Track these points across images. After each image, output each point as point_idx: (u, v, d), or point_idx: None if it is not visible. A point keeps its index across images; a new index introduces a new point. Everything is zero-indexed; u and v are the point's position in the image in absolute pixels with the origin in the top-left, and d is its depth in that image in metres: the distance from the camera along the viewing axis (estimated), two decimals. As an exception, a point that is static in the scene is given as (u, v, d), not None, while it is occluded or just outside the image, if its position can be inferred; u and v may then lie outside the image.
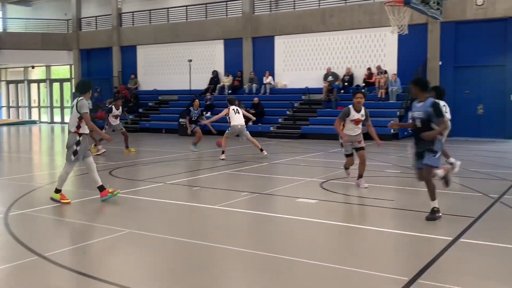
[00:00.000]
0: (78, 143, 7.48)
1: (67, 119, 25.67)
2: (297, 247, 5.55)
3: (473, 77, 19.80)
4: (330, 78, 21.99)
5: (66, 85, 32.37)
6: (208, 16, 26.24)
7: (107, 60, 29.36)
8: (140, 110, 26.36)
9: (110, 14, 29.30)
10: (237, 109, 13.55)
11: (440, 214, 6.54)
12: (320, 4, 23.03)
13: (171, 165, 12.32)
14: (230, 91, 24.73)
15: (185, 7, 26.90)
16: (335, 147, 13.70)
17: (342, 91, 21.72)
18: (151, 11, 28.03)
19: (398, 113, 19.67)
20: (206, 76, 25.87)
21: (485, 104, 19.64)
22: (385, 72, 21.03)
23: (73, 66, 31.06)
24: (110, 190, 7.77)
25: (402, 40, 20.33)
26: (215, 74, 25.59)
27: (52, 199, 7.60)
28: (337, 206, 7.66)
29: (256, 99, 21.97)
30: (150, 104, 26.73)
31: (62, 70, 32.72)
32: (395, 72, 20.82)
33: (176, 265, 4.97)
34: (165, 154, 14.63)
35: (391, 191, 9.00)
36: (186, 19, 26.84)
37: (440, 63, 20.25)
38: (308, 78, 22.99)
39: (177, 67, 26.94)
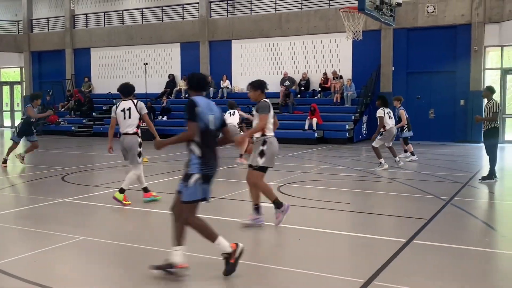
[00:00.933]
0: (140, 144, 7.75)
1: (17, 123, 24.95)
2: (254, 252, 5.54)
3: (424, 82, 20.40)
4: (287, 82, 22.17)
5: (17, 88, 31.24)
6: (164, 19, 25.99)
7: (59, 62, 28.60)
8: (94, 114, 25.80)
9: (63, 16, 28.60)
10: (233, 112, 13.97)
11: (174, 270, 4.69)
12: (277, 9, 23.21)
13: (126, 171, 12.08)
14: (186, 95, 24.55)
15: (140, 10, 26.55)
16: (293, 151, 13.80)
17: (298, 96, 21.94)
18: (106, 13, 27.52)
19: (353, 117, 20.04)
20: (162, 79, 25.60)
21: (436, 108, 20.26)
22: (341, 77, 21.39)
23: (24, 69, 30.10)
24: (154, 194, 8.03)
25: (356, 46, 20.73)
26: (172, 78, 25.35)
27: (114, 198, 7.68)
28: (294, 210, 7.69)
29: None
30: (104, 107, 26.19)
31: (12, 73, 31.66)
32: (350, 77, 21.20)
33: (131, 272, 4.86)
34: (120, 159, 14.33)
35: (347, 194, 9.13)
36: (142, 21, 26.49)
37: (393, 68, 20.76)
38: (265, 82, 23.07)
39: (133, 71, 26.55)
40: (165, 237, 6.17)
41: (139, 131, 7.85)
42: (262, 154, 6.35)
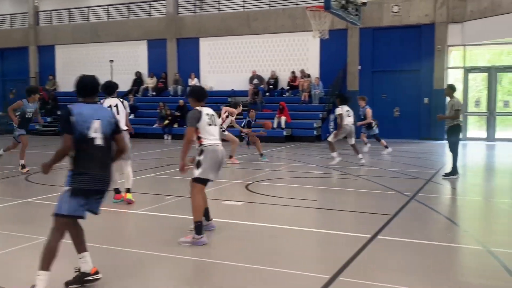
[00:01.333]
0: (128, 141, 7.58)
1: None
2: (220, 250, 5.55)
3: (390, 81, 20.75)
4: (255, 81, 22.22)
5: None
6: (130, 16, 25.68)
7: (23, 60, 27.93)
8: (59, 112, 25.25)
9: (26, 12, 27.91)
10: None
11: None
12: (245, 7, 23.22)
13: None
14: (154, 93, 24.34)
15: (106, 7, 26.16)
16: (261, 149, 13.83)
17: (267, 94, 22.02)
18: (71, 10, 27.01)
19: (320, 116, 20.23)
20: (129, 77, 25.28)
21: (401, 107, 20.64)
22: (308, 75, 21.56)
23: None
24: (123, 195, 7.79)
25: (324, 45, 20.94)
26: (139, 76, 25.08)
27: (127, 200, 7.63)
28: (262, 207, 7.74)
29: (181, 101, 21.76)
30: (69, 106, 25.67)
31: None
32: (318, 75, 21.39)
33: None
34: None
35: (314, 191, 9.22)
36: (108, 18, 26.11)
37: (359, 67, 21.05)
38: (234, 80, 23.10)
39: (98, 68, 26.09)
40: (132, 237, 6.12)
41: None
42: (198, 164, 5.86)
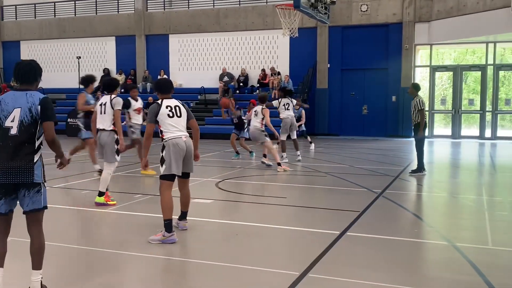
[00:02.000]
0: (117, 141, 7.34)
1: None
2: (191, 248, 5.52)
3: (358, 79, 21.01)
4: (225, 78, 22.17)
5: None
6: (98, 12, 25.26)
7: (-14, 55, 27.27)
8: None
9: (-11, 6, 27.23)
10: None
11: None
12: (215, 4, 23.12)
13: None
14: (122, 90, 24.01)
15: (73, 2, 25.67)
16: (231, 147, 13.82)
17: (237, 92, 21.99)
18: (36, 5, 26.40)
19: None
20: (96, 74, 24.81)
21: (369, 105, 20.92)
22: (278, 73, 21.63)
23: None
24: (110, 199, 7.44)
25: (293, 43, 21.04)
26: (107, 72, 24.69)
27: (97, 203, 7.23)
28: (232, 205, 7.73)
29: (150, 98, 21.51)
30: None
31: None
32: (288, 73, 21.48)
33: (64, 272, 4.72)
34: (52, 156, 13.84)
35: (283, 189, 9.26)
36: (75, 14, 25.63)
37: (329, 65, 21.23)
38: (204, 78, 22.99)
39: (65, 64, 25.66)
40: (104, 236, 6.03)
41: (115, 128, 7.51)
42: (162, 161, 5.66)
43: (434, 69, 20.50)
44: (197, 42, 23.37)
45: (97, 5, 25.27)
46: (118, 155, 7.43)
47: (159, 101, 5.75)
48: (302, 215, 7.13)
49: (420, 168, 10.49)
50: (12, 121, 3.84)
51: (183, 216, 6.10)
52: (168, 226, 5.55)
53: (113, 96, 7.64)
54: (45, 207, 4.20)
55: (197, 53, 23.44)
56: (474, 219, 7.04)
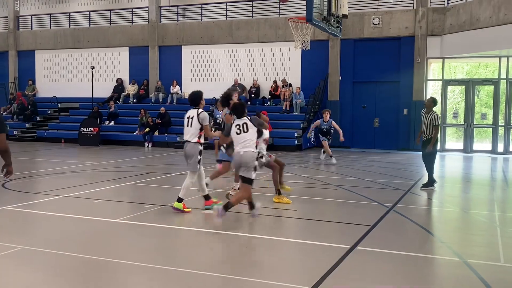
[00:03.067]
0: (200, 152, 7.77)
1: None
2: (201, 260, 5.53)
3: (370, 92, 20.98)
4: (237, 89, 22.26)
5: None
6: (112, 22, 25.56)
7: (2, 64, 27.58)
8: (38, 118, 24.98)
9: (6, 17, 27.57)
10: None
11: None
12: (227, 16, 23.30)
13: (70, 177, 11.79)
14: (135, 100, 24.22)
15: (88, 12, 26.00)
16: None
17: (249, 103, 22.06)
18: (52, 15, 26.78)
19: (301, 125, 20.34)
20: (110, 84, 25.12)
21: (380, 117, 20.86)
22: (290, 85, 21.68)
23: None
24: (214, 200, 8.01)
25: (305, 55, 21.10)
26: (120, 82, 24.92)
27: (174, 208, 7.69)
28: (242, 217, 7.73)
29: (162, 108, 21.69)
30: (49, 112, 25.43)
31: None
32: (299, 85, 21.53)
33: (72, 282, 4.75)
34: (64, 165, 13.98)
35: (294, 201, 9.23)
36: (89, 24, 25.94)
37: (340, 78, 21.25)
38: (215, 88, 23.06)
39: (79, 74, 25.93)
40: (110, 246, 6.07)
41: (201, 140, 7.83)
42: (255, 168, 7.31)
43: (446, 83, 20.43)
44: (209, 53, 23.53)
45: (112, 16, 25.57)
46: (200, 165, 7.84)
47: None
48: (312, 228, 7.11)
49: (431, 182, 10.43)
50: None
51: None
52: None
53: (200, 110, 7.86)
54: None
55: (209, 64, 23.58)
56: (486, 235, 6.98)
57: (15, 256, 5.46)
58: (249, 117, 7.38)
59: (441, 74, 20.50)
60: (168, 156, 14.17)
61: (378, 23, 20.55)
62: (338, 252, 5.68)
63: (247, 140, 7.17)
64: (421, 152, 10.93)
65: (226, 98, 8.57)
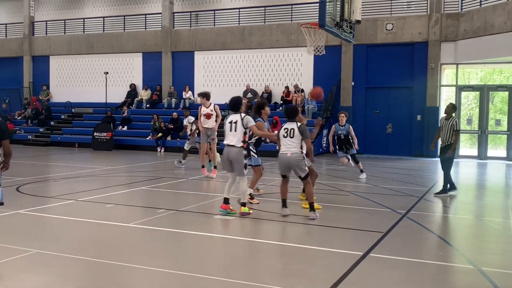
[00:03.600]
0: (245, 156, 7.91)
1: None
2: (213, 265, 5.52)
3: (383, 97, 20.88)
4: (249, 95, 22.29)
5: None
6: (126, 28, 25.76)
7: (17, 70, 27.85)
8: (52, 123, 25.20)
9: (21, 22, 27.95)
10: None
11: None
12: (240, 22, 23.37)
13: (84, 181, 11.87)
14: (148, 105, 24.35)
15: (101, 18, 26.24)
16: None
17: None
18: (66, 21, 27.06)
19: (313, 130, 20.25)
20: (123, 89, 25.29)
21: (393, 123, 20.74)
22: (302, 90, 21.66)
23: None
24: (231, 208, 7.98)
25: (317, 60, 21.07)
26: (133, 88, 25.08)
27: (242, 213, 7.86)
28: (254, 223, 7.72)
29: (175, 114, 21.77)
30: (62, 116, 25.65)
31: None
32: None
33: (87, 287, 4.77)
34: (78, 170, 14.08)
35: (306, 207, 9.19)
36: (103, 30, 26.17)
37: (353, 83, 21.18)
38: (227, 94, 23.02)
39: (93, 79, 26.14)
40: (123, 250, 6.08)
41: (245, 145, 7.97)
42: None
43: (460, 89, 20.27)
44: (222, 59, 23.60)
45: (125, 22, 25.78)
46: (246, 169, 7.94)
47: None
48: (324, 235, 7.08)
49: (449, 188, 10.34)
50: None
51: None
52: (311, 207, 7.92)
53: (242, 114, 7.97)
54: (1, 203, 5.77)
55: (222, 70, 23.66)
56: (500, 243, 6.89)
57: (28, 259, 5.50)
58: (297, 124, 7.89)
59: (455, 80, 20.35)
60: (188, 161, 14.26)
61: (391, 29, 20.48)
62: (351, 259, 5.64)
63: (293, 143, 7.77)
64: (436, 158, 10.87)
65: (259, 107, 9.05)
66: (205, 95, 12.55)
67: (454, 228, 8.13)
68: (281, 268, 5.41)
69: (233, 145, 7.86)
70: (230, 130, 7.92)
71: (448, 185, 10.41)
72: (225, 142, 8.01)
